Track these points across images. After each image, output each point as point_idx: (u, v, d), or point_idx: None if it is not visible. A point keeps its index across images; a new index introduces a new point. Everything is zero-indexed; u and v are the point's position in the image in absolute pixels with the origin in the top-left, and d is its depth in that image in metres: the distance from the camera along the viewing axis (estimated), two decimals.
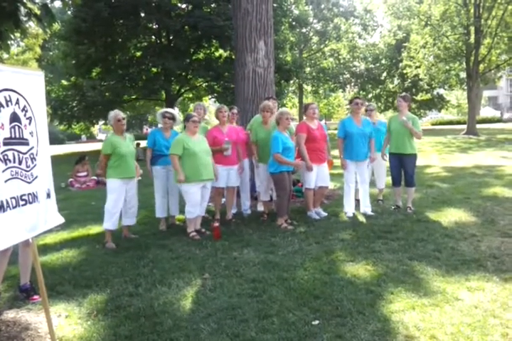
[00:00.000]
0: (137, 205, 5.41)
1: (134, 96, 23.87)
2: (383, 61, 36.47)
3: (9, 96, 2.53)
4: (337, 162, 6.87)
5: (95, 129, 51.12)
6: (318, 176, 5.97)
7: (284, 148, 5.48)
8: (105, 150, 5.11)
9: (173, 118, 5.69)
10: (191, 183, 5.17)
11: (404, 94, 6.51)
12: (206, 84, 23.53)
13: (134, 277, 4.02)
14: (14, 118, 2.59)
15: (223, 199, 6.28)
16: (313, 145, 5.89)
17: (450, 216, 5.80)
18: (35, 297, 3.60)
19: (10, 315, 3.37)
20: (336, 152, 6.53)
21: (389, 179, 6.61)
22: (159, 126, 6.01)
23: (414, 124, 6.07)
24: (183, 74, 21.53)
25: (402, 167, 6.19)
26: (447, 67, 25.68)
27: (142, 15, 20.06)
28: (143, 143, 14.01)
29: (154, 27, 21.38)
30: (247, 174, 6.25)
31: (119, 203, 5.11)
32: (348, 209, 6.11)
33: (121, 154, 5.07)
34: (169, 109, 5.92)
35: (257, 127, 6.10)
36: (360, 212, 6.18)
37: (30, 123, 2.72)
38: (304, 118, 6.20)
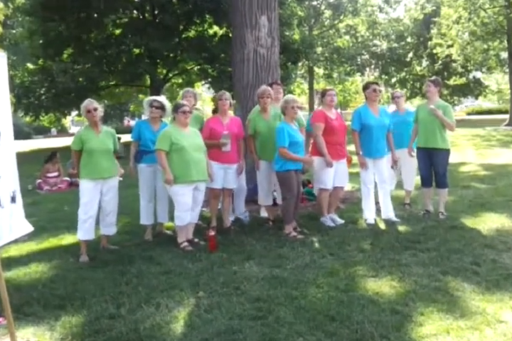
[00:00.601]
0: (117, 211, 5.44)
1: (112, 83, 23.85)
2: (409, 39, 36.50)
3: None
4: (354, 159, 6.87)
5: (67, 121, 51.22)
6: (335, 175, 5.99)
7: (291, 142, 5.48)
8: (74, 146, 5.22)
9: (162, 107, 5.71)
10: (180, 184, 5.18)
11: (434, 77, 6.50)
12: (198, 67, 23.51)
13: (115, 296, 4.02)
14: None
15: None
16: (331, 137, 5.92)
17: (490, 222, 5.80)
18: None
19: None
20: (350, 147, 6.53)
21: (418, 179, 6.61)
22: (143, 117, 6.03)
23: (446, 114, 6.06)
24: (171, 55, 21.52)
25: (433, 164, 6.19)
26: (485, 46, 25.71)
27: None
28: (124, 138, 14.02)
29: (136, 0, 21.41)
30: (243, 175, 6.25)
31: (90, 208, 5.14)
32: (368, 214, 6.13)
33: (90, 150, 5.13)
34: (158, 97, 5.94)
35: (256, 117, 6.11)
36: (382, 218, 6.20)
37: None
38: (316, 106, 6.23)
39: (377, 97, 6.14)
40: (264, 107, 6.04)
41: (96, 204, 5.20)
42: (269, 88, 6.10)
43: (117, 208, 5.45)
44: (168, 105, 5.79)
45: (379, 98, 6.21)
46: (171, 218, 5.69)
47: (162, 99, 5.90)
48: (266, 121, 6.02)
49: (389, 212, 6.19)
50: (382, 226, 5.96)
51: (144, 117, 6.12)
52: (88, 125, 5.30)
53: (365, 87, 6.25)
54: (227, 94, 5.97)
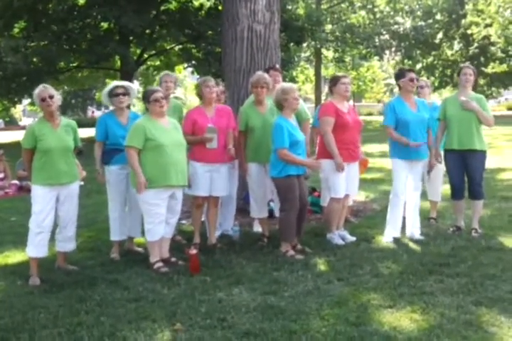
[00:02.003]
0: (76, 223, 5.44)
1: (74, 64, 23.81)
2: (438, 16, 36.66)
3: None
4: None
5: (17, 111, 51.11)
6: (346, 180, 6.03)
7: (291, 141, 5.51)
8: (25, 144, 5.18)
9: (126, 93, 5.69)
10: (154, 190, 5.18)
11: (467, 64, 6.57)
12: (180, 47, 23.56)
13: (72, 328, 4.00)
14: None
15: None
16: (343, 135, 5.94)
17: None
18: None
19: None
20: (366, 147, 6.54)
21: (445, 188, 6.62)
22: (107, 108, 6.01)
23: (482, 107, 6.13)
24: (147, 32, 21.54)
25: (466, 170, 6.22)
26: None
27: None
28: (87, 132, 13.96)
29: None
30: (235, 179, 6.25)
31: (44, 218, 5.12)
32: (392, 231, 6.15)
33: (46, 149, 5.10)
34: (118, 82, 5.92)
35: (249, 110, 6.13)
36: (404, 235, 6.21)
37: None
38: (323, 97, 6.27)
39: (414, 88, 6.23)
40: (259, 99, 6.05)
41: (51, 214, 5.18)
42: (266, 75, 6.12)
43: (77, 219, 5.45)
44: (132, 87, 5.80)
45: (414, 89, 6.29)
46: (144, 232, 5.67)
47: (124, 82, 5.89)
48: (261, 115, 6.02)
49: (415, 228, 6.23)
50: (402, 245, 5.96)
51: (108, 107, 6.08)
52: (43, 117, 5.27)
53: (400, 75, 6.29)
54: (214, 81, 5.96)
